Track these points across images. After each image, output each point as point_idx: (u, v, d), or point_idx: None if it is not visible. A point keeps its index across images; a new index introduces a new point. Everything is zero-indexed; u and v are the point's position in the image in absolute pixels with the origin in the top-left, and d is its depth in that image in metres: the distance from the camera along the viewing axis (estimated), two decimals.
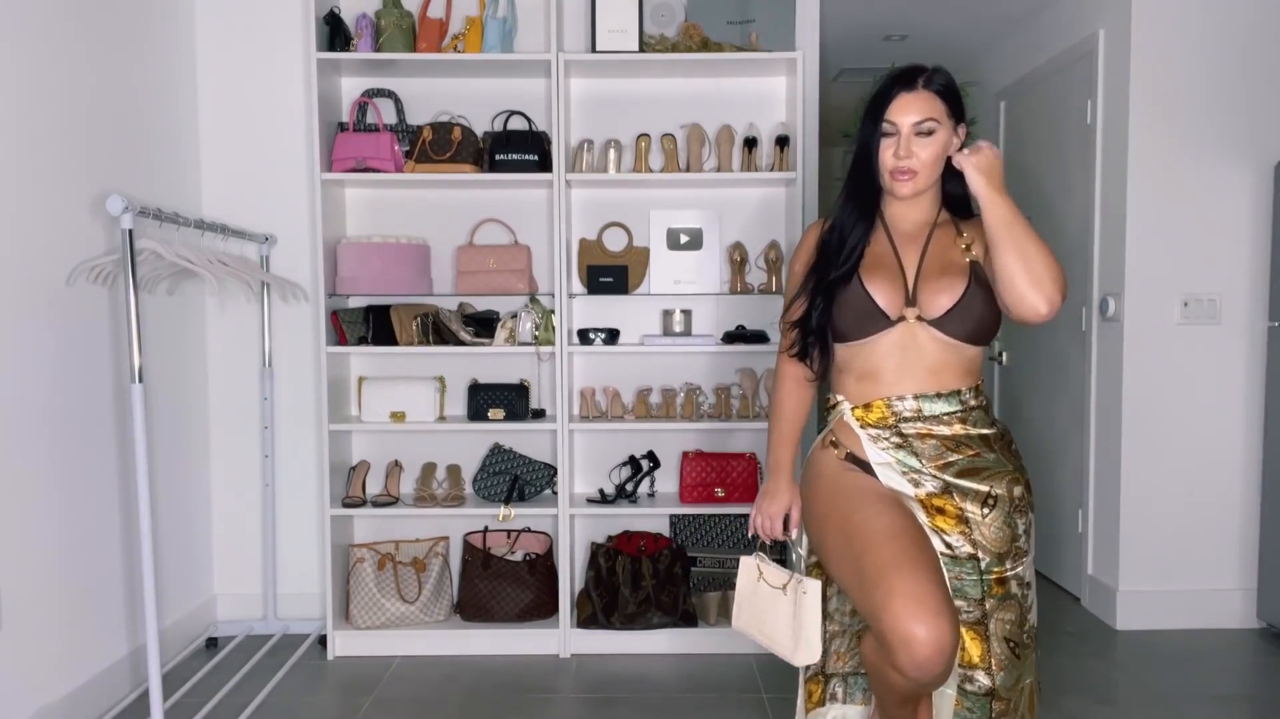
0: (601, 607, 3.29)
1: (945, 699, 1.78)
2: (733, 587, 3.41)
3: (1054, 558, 4.12)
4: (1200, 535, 3.55)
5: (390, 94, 3.41)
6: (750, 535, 2.00)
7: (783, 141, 3.28)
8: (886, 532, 1.69)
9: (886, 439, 1.79)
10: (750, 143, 3.30)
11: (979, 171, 1.65)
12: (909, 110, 1.73)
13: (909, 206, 1.83)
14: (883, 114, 1.75)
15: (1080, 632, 3.55)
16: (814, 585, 1.83)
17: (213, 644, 3.38)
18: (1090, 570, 3.78)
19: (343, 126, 3.32)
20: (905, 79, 1.75)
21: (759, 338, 3.34)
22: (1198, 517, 3.55)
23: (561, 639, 3.29)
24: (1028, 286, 1.63)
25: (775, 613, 1.88)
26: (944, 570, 1.72)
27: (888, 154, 1.76)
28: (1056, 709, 2.88)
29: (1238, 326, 3.51)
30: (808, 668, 1.97)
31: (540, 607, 3.34)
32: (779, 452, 2.00)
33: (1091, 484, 3.77)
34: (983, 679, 1.73)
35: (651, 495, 3.47)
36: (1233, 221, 3.49)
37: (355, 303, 3.43)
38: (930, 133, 1.73)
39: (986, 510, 1.74)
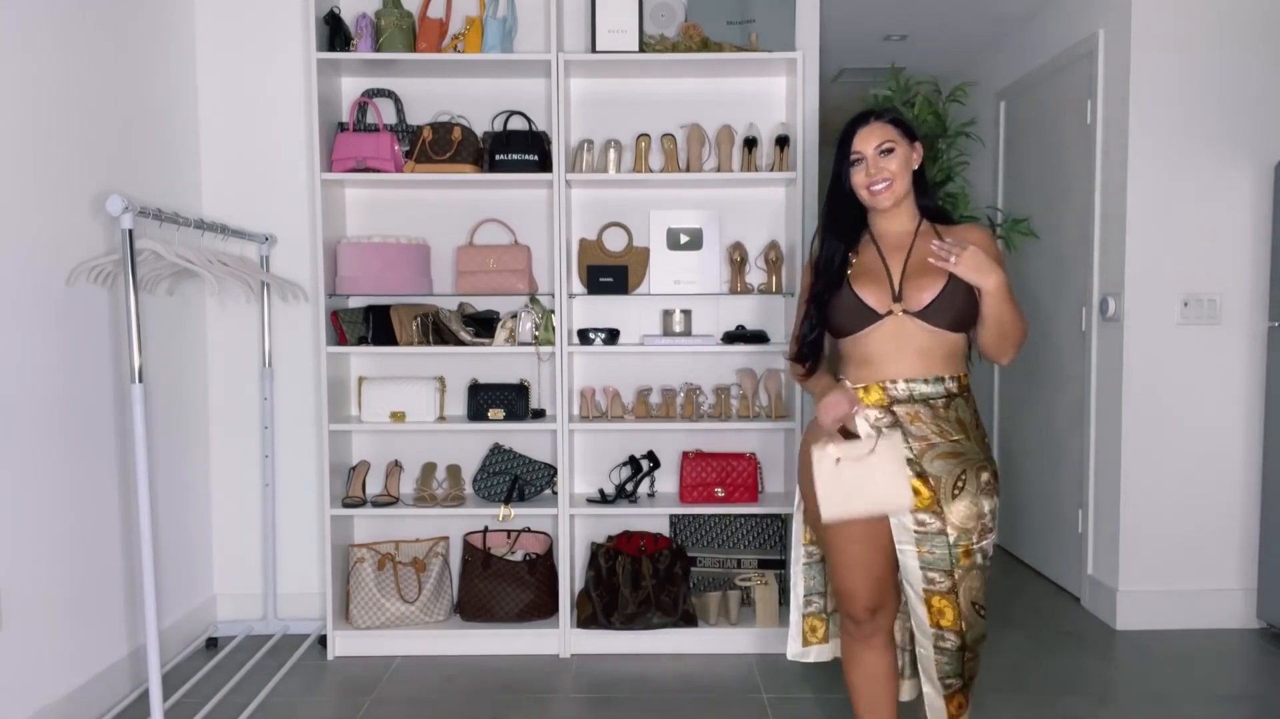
0: (601, 607, 3.29)
1: (927, 660, 2.10)
2: (733, 587, 3.43)
3: (1054, 558, 4.12)
4: (1200, 535, 3.55)
5: (390, 94, 3.41)
6: (823, 444, 2.03)
7: (783, 141, 3.28)
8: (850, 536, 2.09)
9: (882, 419, 2.05)
10: (750, 143, 3.30)
11: (973, 272, 1.95)
12: (870, 139, 2.06)
13: (892, 219, 2.11)
14: (849, 148, 2.08)
15: (1080, 632, 3.55)
16: (895, 434, 2.01)
17: (213, 644, 3.38)
18: (1090, 570, 3.78)
19: (343, 126, 3.32)
20: (860, 118, 2.10)
21: (759, 338, 3.34)
22: (1198, 517, 3.55)
23: (561, 639, 3.29)
24: (994, 351, 2.07)
25: (871, 478, 1.99)
26: (915, 547, 2.03)
27: (860, 177, 2.08)
28: (1057, 709, 2.88)
29: (1238, 326, 3.51)
30: (808, 604, 2.27)
31: (540, 607, 3.34)
32: (822, 382, 2.14)
33: (1091, 484, 3.77)
34: (953, 639, 2.06)
35: (651, 495, 3.47)
36: (1233, 221, 3.49)
37: (355, 303, 3.43)
38: (890, 150, 2.06)
39: (957, 491, 2.02)
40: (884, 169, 2.05)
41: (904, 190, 2.09)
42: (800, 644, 2.29)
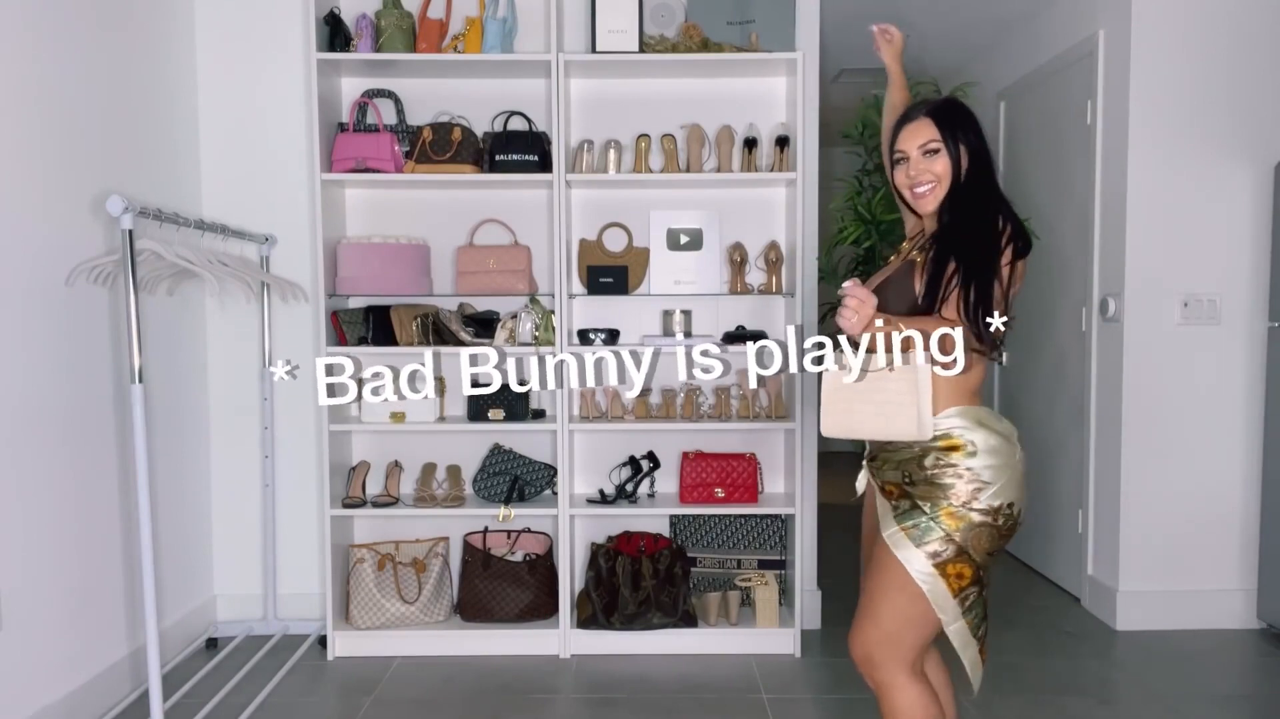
0: (602, 607, 3.29)
1: (957, 632, 1.86)
2: (733, 587, 3.43)
3: (1054, 558, 4.12)
4: (1200, 535, 3.55)
5: (390, 94, 3.41)
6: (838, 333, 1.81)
7: (783, 142, 3.28)
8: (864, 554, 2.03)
9: None
10: (750, 143, 3.30)
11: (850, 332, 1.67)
12: (914, 137, 1.91)
13: (930, 224, 1.95)
14: (894, 147, 1.96)
15: (1080, 632, 3.55)
16: (924, 366, 1.79)
17: (213, 644, 3.38)
18: (1090, 570, 3.78)
19: (343, 127, 3.31)
20: (908, 113, 1.96)
21: (759, 338, 3.34)
22: (1198, 516, 3.55)
23: (561, 639, 3.29)
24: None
25: (885, 396, 1.82)
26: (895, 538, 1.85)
27: (901, 177, 1.94)
28: (1056, 709, 2.88)
29: (1238, 327, 3.51)
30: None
31: (540, 607, 3.34)
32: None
33: (1091, 484, 3.77)
34: (975, 593, 1.85)
35: (651, 496, 3.47)
36: (1233, 221, 3.49)
37: (355, 303, 3.43)
38: (936, 151, 1.90)
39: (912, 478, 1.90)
40: (927, 170, 1.90)
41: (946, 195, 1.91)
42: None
